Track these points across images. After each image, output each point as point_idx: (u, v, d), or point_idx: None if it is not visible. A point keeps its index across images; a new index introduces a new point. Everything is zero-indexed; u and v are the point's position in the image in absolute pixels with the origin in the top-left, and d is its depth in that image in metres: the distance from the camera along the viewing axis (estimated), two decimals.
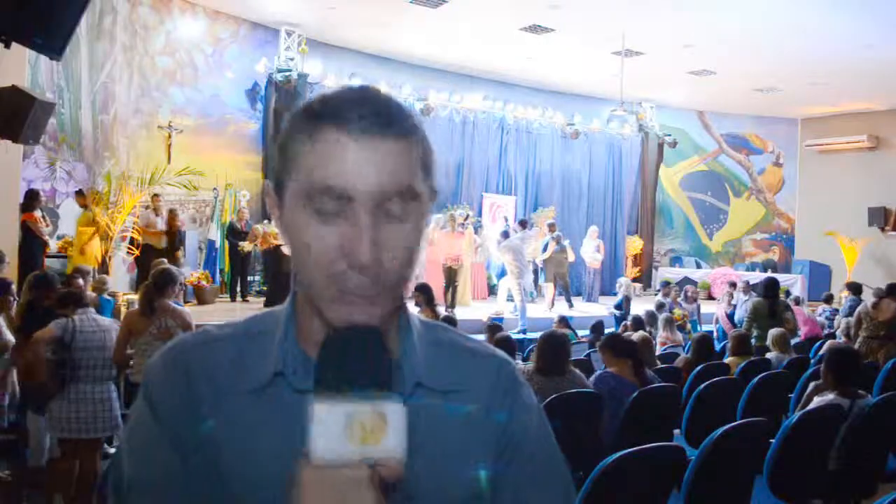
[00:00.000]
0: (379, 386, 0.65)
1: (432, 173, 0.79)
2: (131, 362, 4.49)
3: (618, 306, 10.41)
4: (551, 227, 12.09)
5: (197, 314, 6.04)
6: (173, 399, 0.77)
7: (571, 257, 12.09)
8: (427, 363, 0.81)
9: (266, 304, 9.47)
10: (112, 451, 5.07)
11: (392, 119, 0.73)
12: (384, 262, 0.72)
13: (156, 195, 9.21)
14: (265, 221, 10.15)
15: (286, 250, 6.10)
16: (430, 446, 0.78)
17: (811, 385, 4.10)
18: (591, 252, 12.93)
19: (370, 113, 0.72)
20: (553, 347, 4.00)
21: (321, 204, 0.71)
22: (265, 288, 10.46)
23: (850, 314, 8.08)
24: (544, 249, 11.74)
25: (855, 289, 9.83)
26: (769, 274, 15.36)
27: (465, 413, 0.82)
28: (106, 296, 6.42)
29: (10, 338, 4.39)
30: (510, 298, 10.85)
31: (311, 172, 0.72)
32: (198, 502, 0.76)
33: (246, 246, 10.10)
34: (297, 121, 0.75)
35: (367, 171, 0.71)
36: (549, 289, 11.74)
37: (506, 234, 11.18)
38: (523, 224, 11.49)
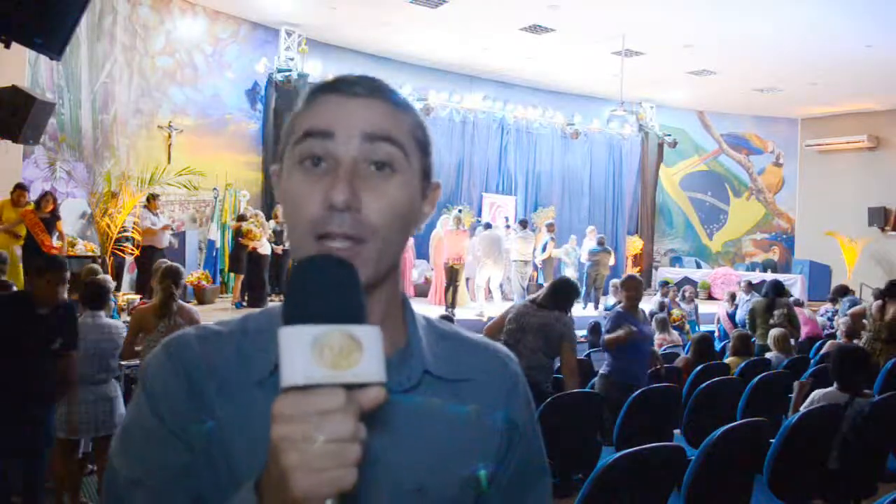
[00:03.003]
0: (350, 321, 0.59)
1: (428, 157, 0.82)
2: (138, 360, 4.48)
3: (610, 309, 10.12)
4: (550, 227, 12.10)
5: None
6: (174, 392, 0.76)
7: (612, 261, 12.17)
8: (433, 353, 0.82)
9: (249, 305, 9.41)
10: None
11: (384, 88, 0.79)
12: (363, 208, 0.73)
13: (153, 195, 9.19)
14: (237, 219, 10.05)
15: (262, 251, 6.14)
16: (436, 436, 0.79)
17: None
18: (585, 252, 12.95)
19: (363, 82, 0.78)
20: (563, 290, 4.74)
21: (307, 153, 0.75)
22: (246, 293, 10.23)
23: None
24: (543, 250, 11.75)
25: (842, 291, 9.98)
26: (769, 274, 15.48)
27: (470, 405, 0.82)
28: (112, 295, 6.42)
29: None
30: (509, 297, 10.88)
31: (302, 126, 0.77)
32: (202, 496, 0.75)
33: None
34: (301, 101, 0.81)
35: (352, 116, 0.76)
36: None
37: (488, 226, 11.21)
38: (524, 224, 11.49)
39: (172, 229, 9.07)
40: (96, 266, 6.41)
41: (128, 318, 5.80)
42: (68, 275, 3.69)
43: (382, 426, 0.73)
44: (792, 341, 6.63)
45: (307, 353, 0.57)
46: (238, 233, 9.54)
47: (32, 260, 6.96)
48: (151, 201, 9.09)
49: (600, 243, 11.92)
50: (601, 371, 4.99)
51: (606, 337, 4.84)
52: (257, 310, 0.86)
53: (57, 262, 3.70)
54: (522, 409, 0.88)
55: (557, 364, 4.74)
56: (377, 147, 0.75)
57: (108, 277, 6.59)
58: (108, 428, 4.07)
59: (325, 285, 0.62)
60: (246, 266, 9.54)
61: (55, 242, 7.70)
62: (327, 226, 0.72)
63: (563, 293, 4.67)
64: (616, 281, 10.45)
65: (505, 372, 0.88)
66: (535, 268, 12.08)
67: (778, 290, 7.15)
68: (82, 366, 3.97)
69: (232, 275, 9.96)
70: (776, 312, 6.86)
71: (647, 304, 9.78)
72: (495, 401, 0.84)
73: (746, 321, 7.23)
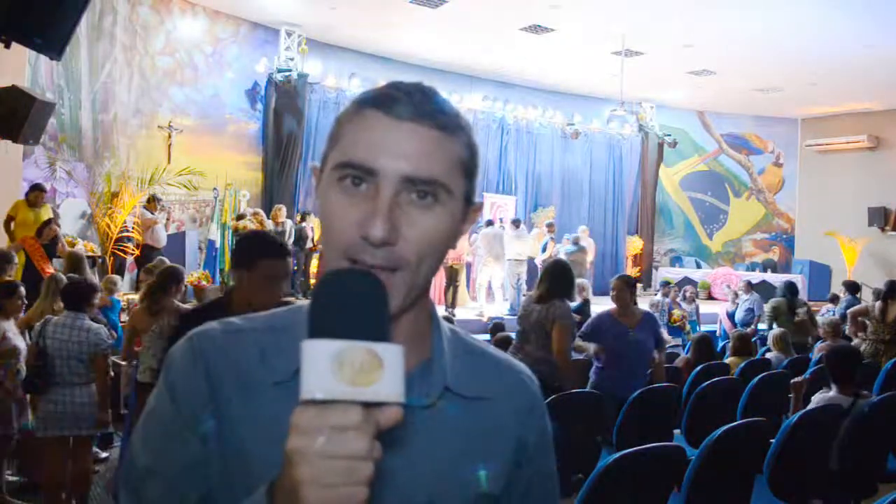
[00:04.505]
0: (374, 338, 0.59)
1: (473, 180, 0.79)
2: (134, 361, 4.48)
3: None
4: (550, 226, 12.09)
5: None
6: (194, 384, 0.76)
7: (590, 257, 12.04)
8: (456, 369, 0.81)
9: None
10: (104, 455, 5.06)
11: (436, 112, 0.75)
12: (398, 243, 0.72)
13: (153, 196, 9.21)
14: (236, 218, 10.07)
15: None
16: (451, 453, 0.79)
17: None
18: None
19: (415, 102, 0.74)
20: (553, 273, 4.51)
21: (350, 177, 0.73)
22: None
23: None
24: (543, 250, 11.73)
25: (851, 287, 9.83)
26: (769, 275, 15.49)
27: (488, 423, 0.82)
28: (116, 296, 6.43)
29: (20, 343, 4.35)
30: (506, 298, 10.88)
31: (346, 146, 0.74)
32: (215, 491, 0.75)
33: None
34: (350, 105, 0.78)
35: (397, 151, 0.72)
36: None
37: (489, 223, 11.20)
38: (517, 224, 11.48)
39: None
40: (164, 258, 6.39)
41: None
42: (290, 267, 2.67)
43: (397, 441, 0.73)
44: (809, 339, 6.97)
45: (328, 367, 0.57)
46: (235, 231, 9.56)
47: (34, 283, 6.86)
48: (151, 202, 9.11)
49: (575, 242, 11.75)
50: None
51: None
52: (283, 308, 0.85)
53: (276, 246, 2.45)
54: (536, 431, 0.87)
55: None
56: (421, 189, 0.73)
57: (116, 277, 6.60)
58: (71, 430, 4.01)
59: (352, 300, 0.61)
60: None
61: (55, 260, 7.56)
62: (360, 255, 0.71)
63: (554, 276, 4.48)
64: (582, 282, 10.31)
65: (525, 393, 0.87)
66: (531, 267, 12.03)
67: (793, 290, 7.56)
68: (60, 368, 3.98)
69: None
70: (800, 311, 7.16)
71: (644, 305, 9.78)
72: (511, 421, 0.84)
73: (767, 319, 7.52)
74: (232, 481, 0.75)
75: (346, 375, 0.57)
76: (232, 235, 9.90)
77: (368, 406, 0.58)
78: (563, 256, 11.77)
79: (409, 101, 0.74)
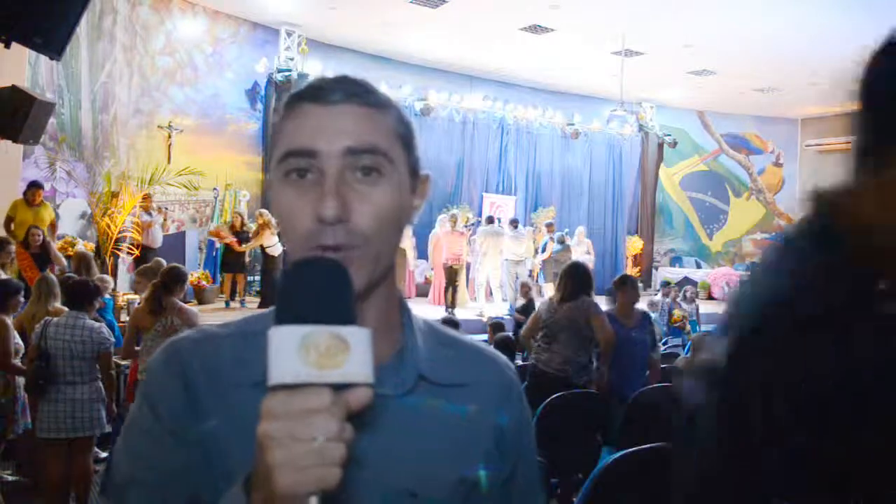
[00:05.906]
0: (339, 322, 0.60)
1: (413, 152, 0.81)
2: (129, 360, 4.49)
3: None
4: (549, 226, 12.08)
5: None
6: (172, 395, 0.77)
7: (590, 258, 12.03)
8: (430, 358, 0.82)
9: (260, 306, 9.43)
10: (104, 455, 5.06)
11: (362, 91, 0.78)
12: (353, 217, 0.73)
13: (147, 195, 9.22)
14: (225, 221, 10.15)
15: (271, 251, 6.08)
16: (430, 441, 0.79)
17: None
18: (581, 254, 12.82)
19: (341, 88, 0.77)
20: (572, 276, 4.67)
21: (293, 167, 0.75)
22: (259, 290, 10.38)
23: None
24: (543, 249, 11.73)
25: None
26: None
27: (465, 410, 0.82)
28: (108, 295, 6.42)
29: (20, 342, 4.36)
30: (505, 298, 10.88)
31: (285, 139, 0.77)
32: (199, 495, 0.75)
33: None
34: (283, 106, 0.81)
35: (333, 130, 0.75)
36: (548, 289, 11.72)
37: (490, 220, 11.20)
38: (514, 224, 11.48)
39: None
40: (161, 259, 6.42)
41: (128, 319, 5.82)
42: None
43: (375, 429, 0.74)
44: None
45: (294, 352, 0.58)
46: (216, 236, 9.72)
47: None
48: (146, 200, 9.13)
49: (560, 241, 11.73)
50: None
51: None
52: (259, 311, 0.86)
53: None
54: (514, 416, 0.87)
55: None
56: (361, 158, 0.75)
57: (107, 277, 6.60)
58: (75, 430, 4.03)
59: (315, 286, 0.62)
60: (262, 266, 9.72)
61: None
62: (320, 239, 0.73)
63: (574, 277, 4.66)
64: (527, 280, 9.97)
65: (501, 379, 0.88)
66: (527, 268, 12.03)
67: None
68: (62, 366, 3.98)
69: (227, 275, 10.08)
70: None
71: (644, 305, 9.77)
72: (489, 406, 0.84)
73: None
74: (217, 484, 0.74)
75: (312, 359, 0.58)
76: (209, 242, 10.01)
77: (338, 388, 0.59)
78: (545, 254, 11.79)
79: (339, 88, 0.77)
